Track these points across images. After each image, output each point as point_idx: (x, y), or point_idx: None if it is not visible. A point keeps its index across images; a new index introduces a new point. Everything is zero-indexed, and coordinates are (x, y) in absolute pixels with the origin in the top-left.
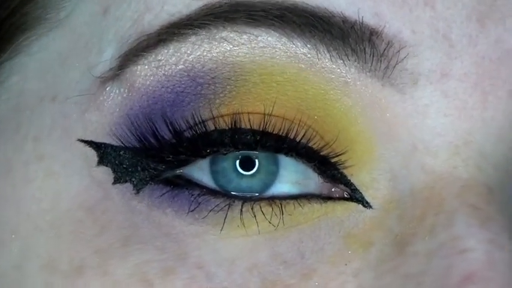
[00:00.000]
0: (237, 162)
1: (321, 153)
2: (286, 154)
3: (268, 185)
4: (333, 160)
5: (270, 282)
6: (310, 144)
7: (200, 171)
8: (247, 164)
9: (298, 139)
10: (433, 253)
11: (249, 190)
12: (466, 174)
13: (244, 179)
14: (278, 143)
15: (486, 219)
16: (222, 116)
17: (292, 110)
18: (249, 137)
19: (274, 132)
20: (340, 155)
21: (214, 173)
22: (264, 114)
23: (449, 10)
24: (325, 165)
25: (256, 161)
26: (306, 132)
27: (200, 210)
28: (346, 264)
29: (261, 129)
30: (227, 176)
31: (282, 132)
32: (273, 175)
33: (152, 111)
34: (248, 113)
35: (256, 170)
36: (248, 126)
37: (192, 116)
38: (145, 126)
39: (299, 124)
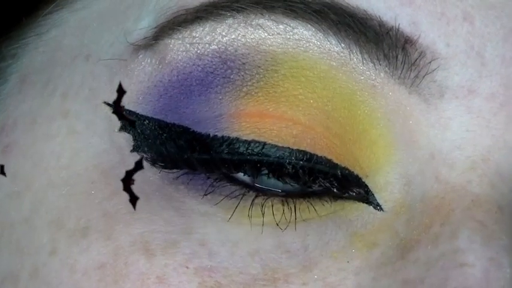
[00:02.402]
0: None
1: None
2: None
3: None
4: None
5: (270, 269)
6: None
7: None
8: None
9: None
10: (433, 262)
11: (283, 187)
12: (479, 190)
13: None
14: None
15: (490, 237)
16: (245, 116)
17: (317, 111)
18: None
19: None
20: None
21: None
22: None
23: (487, 28)
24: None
25: None
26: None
27: (214, 193)
28: (348, 262)
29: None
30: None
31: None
32: None
33: (181, 88)
34: (274, 119)
35: None
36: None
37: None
38: (173, 117)
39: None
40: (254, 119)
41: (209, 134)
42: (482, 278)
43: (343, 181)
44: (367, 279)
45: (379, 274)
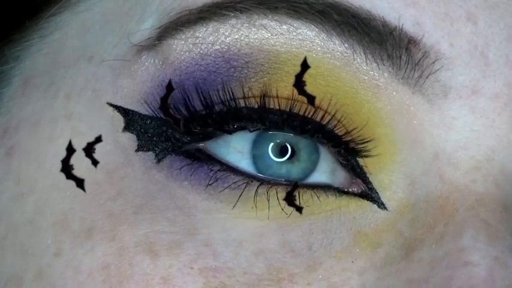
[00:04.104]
0: (276, 148)
1: (345, 139)
2: (312, 136)
3: (307, 175)
4: (358, 147)
5: (275, 269)
6: (335, 130)
7: (239, 154)
8: (288, 150)
9: (324, 122)
10: (437, 262)
11: (287, 177)
12: (483, 189)
13: (283, 166)
14: (304, 123)
15: (494, 236)
16: (252, 96)
17: (321, 100)
18: (276, 116)
19: (300, 113)
20: (365, 142)
21: (254, 158)
22: (292, 97)
23: (491, 28)
24: (348, 152)
25: (292, 147)
26: (331, 118)
27: (217, 185)
28: (352, 262)
29: (288, 109)
30: (265, 161)
31: (308, 114)
32: (312, 164)
33: (184, 85)
34: (277, 97)
35: (297, 158)
36: (277, 107)
37: (224, 91)
38: (177, 97)
39: (326, 111)
40: (260, 97)
41: (217, 110)
42: (487, 276)
43: (350, 169)
44: (372, 279)
45: (383, 274)
